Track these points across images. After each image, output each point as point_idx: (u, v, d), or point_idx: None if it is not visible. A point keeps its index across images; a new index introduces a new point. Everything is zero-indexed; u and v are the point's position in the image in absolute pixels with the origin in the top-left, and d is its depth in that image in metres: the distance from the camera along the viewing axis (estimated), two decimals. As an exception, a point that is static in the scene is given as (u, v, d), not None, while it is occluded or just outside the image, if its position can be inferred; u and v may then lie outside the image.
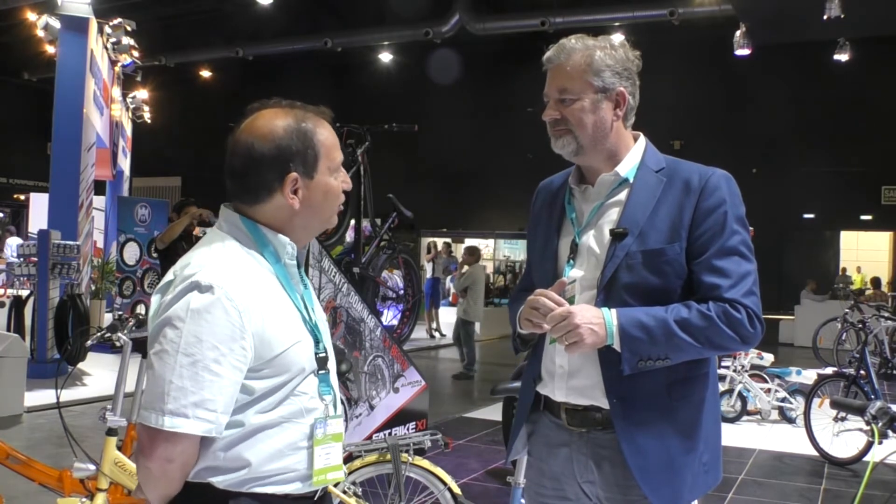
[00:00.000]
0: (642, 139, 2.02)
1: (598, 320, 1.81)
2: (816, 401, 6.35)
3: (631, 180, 1.95)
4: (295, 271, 1.64)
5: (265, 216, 1.59)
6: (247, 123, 1.60)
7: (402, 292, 7.03)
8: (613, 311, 1.84)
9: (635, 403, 1.87)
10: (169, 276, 1.54)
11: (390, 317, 6.93)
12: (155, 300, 1.53)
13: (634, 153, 1.98)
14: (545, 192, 2.14)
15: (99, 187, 12.24)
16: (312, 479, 1.57)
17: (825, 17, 11.60)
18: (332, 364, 1.66)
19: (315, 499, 1.62)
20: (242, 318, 1.46)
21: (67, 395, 7.04)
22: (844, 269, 20.17)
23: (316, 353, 1.60)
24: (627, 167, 1.96)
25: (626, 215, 1.91)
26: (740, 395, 7.48)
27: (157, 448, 1.44)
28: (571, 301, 1.88)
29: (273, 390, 1.52)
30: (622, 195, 1.94)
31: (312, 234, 1.69)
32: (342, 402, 1.81)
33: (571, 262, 1.96)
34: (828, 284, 17.87)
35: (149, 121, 15.97)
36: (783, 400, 7.56)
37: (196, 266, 1.50)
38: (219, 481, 1.50)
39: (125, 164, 15.36)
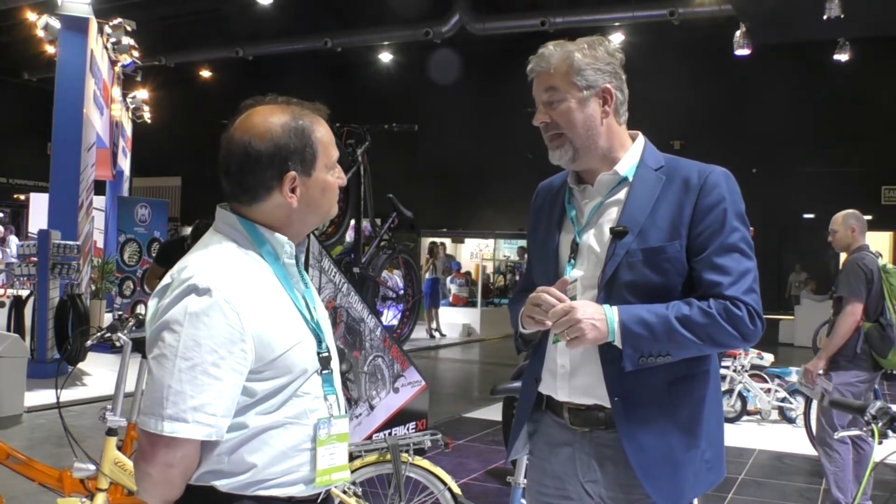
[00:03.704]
0: (641, 138, 2.03)
1: (599, 316, 1.82)
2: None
3: (630, 179, 1.95)
4: (294, 270, 1.61)
5: (263, 215, 1.56)
6: (241, 121, 1.56)
7: (402, 292, 7.04)
8: (615, 307, 1.84)
9: (636, 401, 1.87)
10: (166, 279, 1.52)
11: (390, 317, 6.93)
12: (152, 304, 1.51)
13: (633, 152, 1.98)
14: (545, 192, 2.15)
15: (99, 187, 12.23)
16: (316, 481, 1.55)
17: (825, 17, 11.57)
18: (335, 364, 1.64)
19: (318, 501, 1.60)
20: (241, 320, 1.44)
21: (67, 395, 7.04)
22: (798, 267, 19.66)
23: (318, 353, 1.58)
24: (626, 166, 1.96)
25: (625, 214, 1.91)
26: (740, 395, 7.48)
27: (158, 453, 1.42)
28: (573, 300, 1.88)
29: (275, 392, 1.50)
30: (622, 194, 1.95)
31: (310, 229, 1.67)
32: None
33: (572, 261, 1.96)
34: (827, 285, 17.81)
35: (149, 121, 15.96)
36: (783, 400, 7.56)
37: (193, 269, 1.48)
38: (222, 485, 1.48)
39: (125, 164, 15.35)
